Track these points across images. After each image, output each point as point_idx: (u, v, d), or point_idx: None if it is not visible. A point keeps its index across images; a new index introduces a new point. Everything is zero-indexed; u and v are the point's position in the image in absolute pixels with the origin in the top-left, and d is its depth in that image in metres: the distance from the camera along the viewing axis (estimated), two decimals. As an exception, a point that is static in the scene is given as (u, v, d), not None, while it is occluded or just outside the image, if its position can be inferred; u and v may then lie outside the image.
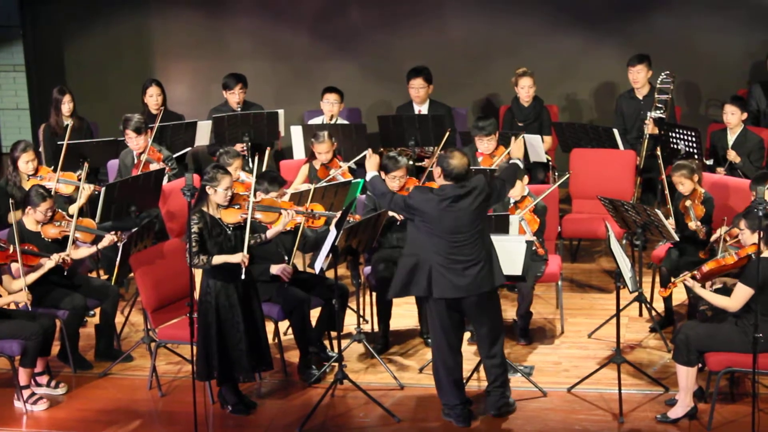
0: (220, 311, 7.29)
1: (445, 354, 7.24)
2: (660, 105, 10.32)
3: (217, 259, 7.22)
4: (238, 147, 9.99)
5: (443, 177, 7.12)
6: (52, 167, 9.53)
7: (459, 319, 7.25)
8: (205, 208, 7.27)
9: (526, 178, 8.54)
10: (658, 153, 9.36)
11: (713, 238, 8.13)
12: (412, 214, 7.10)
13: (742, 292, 7.08)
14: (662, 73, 10.36)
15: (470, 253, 7.05)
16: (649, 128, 10.19)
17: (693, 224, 8.28)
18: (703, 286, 7.34)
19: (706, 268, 7.27)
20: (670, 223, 8.33)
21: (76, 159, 9.59)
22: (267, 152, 9.73)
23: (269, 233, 7.63)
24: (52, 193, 8.45)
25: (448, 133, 9.72)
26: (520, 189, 8.44)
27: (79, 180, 9.05)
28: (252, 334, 7.40)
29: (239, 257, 7.25)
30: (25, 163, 9.14)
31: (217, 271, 7.27)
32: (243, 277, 7.28)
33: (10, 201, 7.98)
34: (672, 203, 8.62)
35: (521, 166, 7.74)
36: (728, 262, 7.23)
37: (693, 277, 7.32)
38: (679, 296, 8.64)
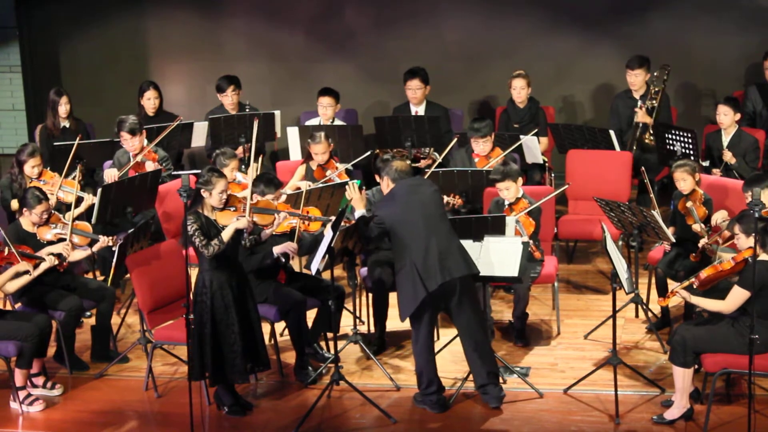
0: (216, 312, 7.28)
1: (431, 342, 7.45)
2: (653, 96, 10.34)
3: (226, 233, 7.21)
4: (239, 151, 9.98)
5: (392, 183, 7.44)
6: (49, 167, 9.51)
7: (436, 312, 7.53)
8: (200, 210, 7.26)
9: (520, 180, 8.54)
10: (650, 139, 9.34)
11: (702, 242, 8.11)
12: (384, 223, 7.32)
13: (738, 295, 7.08)
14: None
15: (445, 238, 7.29)
16: (639, 116, 10.20)
17: (697, 226, 8.24)
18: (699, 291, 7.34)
19: (704, 274, 7.24)
20: (670, 230, 8.35)
21: (72, 160, 9.57)
22: (260, 159, 9.62)
23: (263, 234, 7.68)
24: (51, 198, 8.44)
25: (454, 140, 9.75)
26: (514, 191, 8.44)
27: (74, 179, 9.04)
28: (247, 335, 7.39)
29: (244, 222, 7.28)
30: (31, 167, 9.16)
31: (216, 264, 7.24)
32: (246, 243, 7.44)
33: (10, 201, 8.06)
34: (655, 205, 8.60)
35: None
36: (725, 267, 7.21)
37: (691, 285, 7.31)
38: (675, 298, 8.62)
